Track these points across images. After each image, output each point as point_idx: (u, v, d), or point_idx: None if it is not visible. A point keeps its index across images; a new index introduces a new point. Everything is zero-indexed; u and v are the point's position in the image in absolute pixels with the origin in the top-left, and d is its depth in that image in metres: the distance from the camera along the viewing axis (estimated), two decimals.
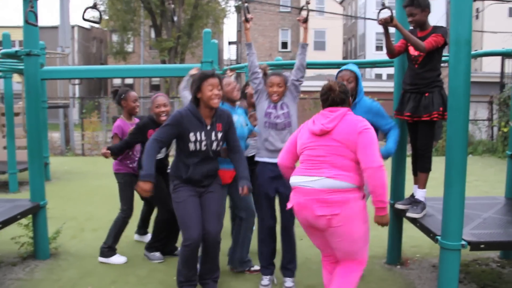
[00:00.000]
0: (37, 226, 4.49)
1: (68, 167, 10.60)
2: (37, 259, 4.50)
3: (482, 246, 3.18)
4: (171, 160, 3.95)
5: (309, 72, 28.97)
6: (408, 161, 4.16)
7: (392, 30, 3.70)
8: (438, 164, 8.07)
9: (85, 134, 13.66)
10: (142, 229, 5.17)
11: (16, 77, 9.28)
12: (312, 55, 32.36)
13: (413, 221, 3.77)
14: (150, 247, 4.56)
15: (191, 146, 3.43)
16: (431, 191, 4.08)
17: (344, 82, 3.57)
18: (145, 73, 5.69)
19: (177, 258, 4.42)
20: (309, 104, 14.31)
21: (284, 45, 35.35)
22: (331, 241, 2.96)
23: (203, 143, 3.45)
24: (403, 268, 4.30)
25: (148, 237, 4.88)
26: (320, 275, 4.05)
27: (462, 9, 3.02)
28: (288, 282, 3.85)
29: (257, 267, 4.16)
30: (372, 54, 32.65)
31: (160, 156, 4.38)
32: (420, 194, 3.93)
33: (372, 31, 33.00)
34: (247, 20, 3.94)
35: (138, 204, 4.87)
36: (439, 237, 3.22)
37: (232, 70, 5.59)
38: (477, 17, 28.84)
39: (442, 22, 26.81)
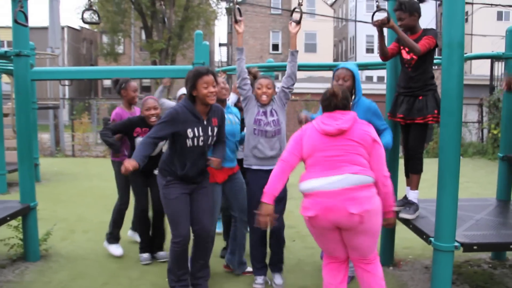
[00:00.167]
0: (27, 227, 4.43)
1: (58, 168, 10.50)
2: (27, 261, 4.44)
3: (475, 247, 3.19)
4: None
5: (300, 74, 28.93)
6: (401, 163, 4.16)
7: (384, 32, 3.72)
8: (429, 165, 8.17)
9: (75, 135, 13.55)
10: (134, 225, 5.13)
11: (5, 78, 9.20)
12: (303, 57, 32.22)
13: (406, 222, 3.78)
14: (140, 248, 4.54)
15: (189, 142, 3.40)
16: (423, 192, 4.10)
17: (340, 81, 3.59)
18: (136, 74, 5.64)
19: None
20: (301, 106, 14.33)
21: (275, 47, 35.41)
22: (355, 239, 2.90)
23: (201, 138, 3.43)
24: (396, 269, 4.31)
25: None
26: (314, 277, 4.09)
27: (455, 12, 3.04)
28: (278, 278, 3.92)
29: (249, 269, 4.15)
30: (362, 56, 32.81)
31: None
32: (412, 195, 3.94)
33: (362, 34, 33.17)
34: (236, 21, 3.91)
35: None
36: (432, 239, 3.23)
37: (223, 72, 5.56)
38: (466, 20, 29.08)
39: (432, 26, 27.03)
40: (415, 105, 3.76)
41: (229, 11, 31.20)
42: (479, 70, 21.05)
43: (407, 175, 4.05)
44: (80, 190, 8.06)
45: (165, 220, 4.47)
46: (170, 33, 23.87)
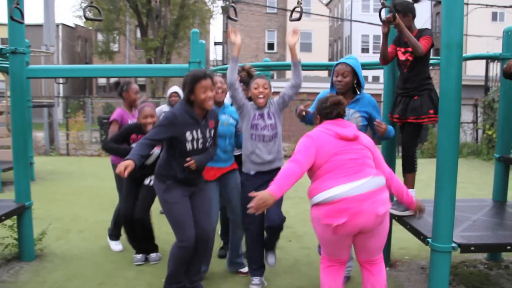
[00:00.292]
0: (22, 227, 4.39)
1: (53, 167, 10.45)
2: (22, 261, 4.40)
3: (472, 248, 3.19)
4: None
5: None
6: (398, 163, 4.17)
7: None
8: (424, 166, 8.19)
9: (70, 134, 13.48)
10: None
11: None
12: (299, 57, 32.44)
13: (403, 223, 3.78)
14: (134, 248, 4.52)
15: (188, 146, 3.36)
16: (419, 193, 4.09)
17: (339, 77, 3.58)
18: (132, 73, 5.62)
19: (164, 257, 4.44)
20: (296, 105, 14.31)
21: (271, 46, 35.40)
22: (371, 241, 2.93)
23: (200, 141, 3.40)
24: (392, 270, 4.31)
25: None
26: (311, 277, 4.09)
27: (454, 12, 3.02)
28: (271, 257, 3.87)
29: (245, 269, 4.14)
30: (357, 56, 32.35)
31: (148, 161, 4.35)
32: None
33: (358, 33, 33.23)
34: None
35: None
36: (429, 240, 3.22)
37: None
38: None
39: (427, 26, 27.10)
40: (410, 105, 3.79)
41: (224, 10, 31.18)
42: (474, 70, 21.14)
43: (403, 175, 4.07)
44: (75, 189, 8.01)
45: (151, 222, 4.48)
46: (165, 31, 23.81)
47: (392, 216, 3.98)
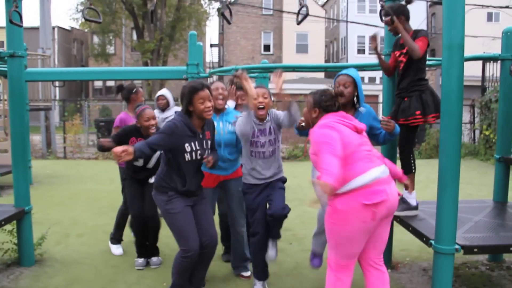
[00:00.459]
0: (22, 232, 4.36)
1: (50, 171, 10.41)
2: (22, 266, 4.37)
3: (475, 250, 3.19)
4: None
5: (292, 75, 29.08)
6: (398, 164, 4.16)
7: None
8: (422, 166, 8.17)
9: (67, 137, 13.43)
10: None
11: None
12: (295, 58, 32.57)
13: (405, 225, 3.77)
14: (137, 252, 4.49)
15: (187, 157, 3.36)
16: (417, 193, 4.09)
17: (341, 87, 3.55)
18: (131, 75, 5.60)
19: (165, 262, 4.43)
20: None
21: (267, 47, 35.39)
22: (386, 228, 2.98)
23: (198, 152, 3.40)
24: (394, 272, 4.30)
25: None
26: (312, 280, 4.08)
27: (455, 14, 3.03)
28: (272, 249, 3.78)
29: (248, 273, 4.14)
30: (354, 57, 32.90)
31: (138, 164, 4.34)
32: (409, 196, 3.96)
33: (354, 34, 33.27)
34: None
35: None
36: (432, 241, 3.21)
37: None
38: None
39: (423, 26, 27.18)
40: (401, 106, 3.84)
41: (220, 12, 31.18)
42: (470, 71, 21.16)
43: None
44: (73, 193, 7.97)
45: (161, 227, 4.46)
46: (161, 33, 23.78)
47: (394, 218, 3.98)
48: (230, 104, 4.39)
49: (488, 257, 4.55)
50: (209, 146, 3.54)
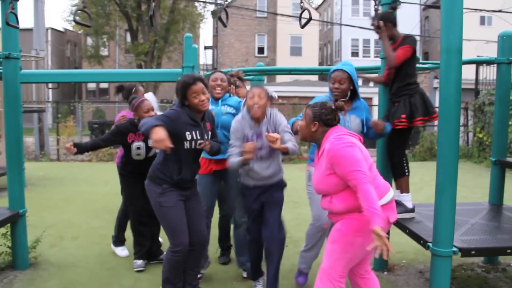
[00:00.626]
0: (16, 235, 4.32)
1: (44, 173, 10.34)
2: (16, 269, 4.32)
3: (473, 252, 3.20)
4: None
5: (286, 78, 29.09)
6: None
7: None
8: (416, 169, 8.15)
9: (60, 139, 13.35)
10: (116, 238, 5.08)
11: None
12: (289, 61, 32.63)
13: (402, 227, 3.78)
14: (134, 253, 4.47)
15: (186, 145, 3.35)
16: (411, 196, 4.10)
17: (336, 84, 3.57)
18: (127, 77, 5.55)
19: (161, 265, 4.40)
20: (288, 109, 14.34)
21: (261, 50, 35.44)
22: None
23: (198, 141, 3.39)
24: (391, 274, 4.31)
25: None
26: (310, 283, 4.05)
27: (453, 18, 3.04)
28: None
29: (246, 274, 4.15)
30: (347, 60, 32.98)
31: (139, 158, 4.32)
32: (403, 198, 3.98)
33: (347, 37, 33.37)
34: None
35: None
36: (430, 244, 3.22)
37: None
38: None
39: (416, 30, 27.33)
40: (391, 111, 3.91)
41: (214, 14, 31.14)
42: (464, 74, 21.23)
43: (395, 180, 4.11)
44: (67, 195, 7.92)
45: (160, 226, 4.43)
46: (155, 35, 23.72)
47: None
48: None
49: (484, 259, 4.57)
50: (209, 137, 3.54)
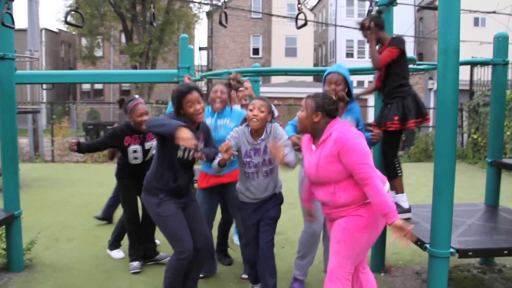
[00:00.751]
0: (11, 237, 4.28)
1: (38, 174, 10.28)
2: (11, 271, 4.29)
3: (470, 253, 3.20)
4: None
5: (281, 79, 29.09)
6: None
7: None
8: (412, 170, 8.16)
9: (54, 140, 13.29)
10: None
11: None
12: (284, 62, 32.66)
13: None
14: (130, 255, 4.45)
15: (179, 153, 3.33)
16: (407, 197, 4.11)
17: (332, 85, 3.57)
18: (122, 78, 5.56)
19: (158, 267, 4.39)
20: (284, 110, 14.35)
21: (256, 51, 35.46)
22: None
23: (191, 152, 3.37)
24: (387, 275, 4.31)
25: None
26: (307, 284, 4.05)
27: (450, 19, 3.04)
28: None
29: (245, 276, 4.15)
30: (342, 61, 33.02)
31: (137, 161, 4.31)
32: (398, 199, 3.98)
33: (342, 38, 33.44)
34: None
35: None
36: (427, 245, 3.21)
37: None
38: None
39: (411, 31, 27.42)
40: (383, 113, 3.91)
41: (209, 15, 31.14)
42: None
43: (389, 181, 4.12)
44: (62, 197, 7.87)
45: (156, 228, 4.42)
46: (150, 36, 23.68)
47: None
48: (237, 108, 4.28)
49: (480, 260, 4.58)
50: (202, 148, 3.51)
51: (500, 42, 4.46)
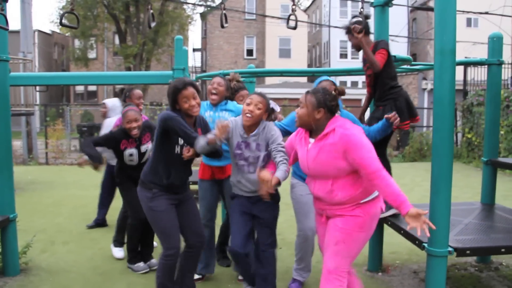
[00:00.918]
0: (6, 240, 4.24)
1: (32, 177, 10.22)
2: (6, 275, 4.25)
3: (468, 252, 3.21)
4: None
5: (275, 80, 29.09)
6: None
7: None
8: (407, 169, 8.14)
9: (48, 142, 13.21)
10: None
11: None
12: (278, 63, 32.66)
13: (397, 228, 3.78)
14: (132, 257, 4.41)
15: (177, 149, 3.34)
16: None
17: None
18: (117, 80, 5.53)
19: (155, 269, 4.36)
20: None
21: (249, 52, 35.46)
22: None
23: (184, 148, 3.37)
24: (385, 275, 4.31)
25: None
26: (305, 285, 4.05)
27: (446, 19, 3.05)
28: None
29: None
30: (336, 61, 33.13)
31: (132, 163, 4.30)
32: None
33: (336, 39, 33.50)
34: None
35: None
36: (425, 244, 3.22)
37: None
38: None
39: (404, 31, 27.51)
40: (375, 115, 3.96)
41: (203, 16, 31.10)
42: None
43: None
44: (56, 200, 7.83)
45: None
46: (144, 38, 23.62)
47: (385, 221, 4.00)
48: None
49: (476, 258, 4.59)
50: None
51: (494, 42, 4.48)
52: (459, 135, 13.19)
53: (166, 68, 25.95)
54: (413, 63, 5.05)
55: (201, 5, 26.31)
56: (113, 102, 5.95)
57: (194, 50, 40.23)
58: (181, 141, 3.32)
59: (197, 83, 3.76)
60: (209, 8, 26.99)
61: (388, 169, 3.97)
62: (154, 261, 4.43)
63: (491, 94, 4.53)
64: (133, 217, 4.36)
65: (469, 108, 12.09)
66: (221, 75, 4.74)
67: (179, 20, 25.72)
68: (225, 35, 34.20)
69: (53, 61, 33.88)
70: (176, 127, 3.18)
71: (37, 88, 11.83)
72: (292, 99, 19.61)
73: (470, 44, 18.22)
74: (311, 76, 15.11)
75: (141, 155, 4.32)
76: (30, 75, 6.37)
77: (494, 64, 4.48)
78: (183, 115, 3.33)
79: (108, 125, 5.61)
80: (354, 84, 31.14)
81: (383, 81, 3.91)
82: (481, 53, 4.64)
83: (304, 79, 28.09)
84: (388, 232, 4.21)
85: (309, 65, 37.81)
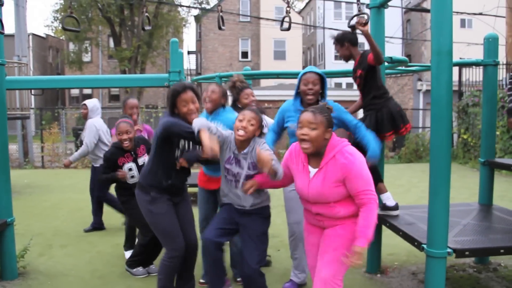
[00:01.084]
0: (4, 244, 4.22)
1: (29, 180, 10.18)
2: (4, 279, 4.23)
3: (467, 253, 3.21)
4: None
5: (271, 82, 29.09)
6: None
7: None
8: (403, 171, 8.16)
9: (44, 146, 13.16)
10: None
11: None
12: (272, 65, 32.68)
13: (396, 230, 3.78)
14: (134, 261, 4.39)
15: (177, 153, 3.34)
16: (399, 198, 4.14)
17: (310, 85, 3.58)
18: (113, 83, 5.51)
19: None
20: (274, 113, 14.33)
21: (244, 54, 35.47)
22: None
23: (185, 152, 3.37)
24: (384, 276, 4.31)
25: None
26: (304, 287, 4.06)
27: (443, 20, 3.06)
28: None
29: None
30: (331, 63, 33.18)
31: (134, 180, 4.29)
32: (384, 197, 4.02)
33: (331, 41, 33.01)
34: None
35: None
36: (424, 246, 3.22)
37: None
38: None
39: (398, 33, 27.61)
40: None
41: (197, 19, 31.10)
42: None
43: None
44: (53, 203, 7.80)
45: None
46: (139, 41, 23.60)
47: (383, 223, 4.00)
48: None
49: (475, 259, 4.60)
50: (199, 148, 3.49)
51: (490, 43, 4.50)
52: (455, 136, 13.24)
53: (161, 70, 25.91)
54: (409, 64, 5.06)
55: (195, 8, 26.32)
56: (93, 103, 6.01)
57: (189, 52, 40.22)
58: (181, 145, 3.32)
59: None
60: (203, 11, 27.00)
61: (377, 175, 3.96)
62: (153, 267, 4.39)
63: (488, 94, 4.55)
64: (145, 234, 4.22)
65: (464, 109, 12.14)
66: (217, 80, 4.75)
67: (174, 22, 25.76)
68: (220, 37, 34.20)
69: (47, 65, 33.77)
70: (181, 132, 3.17)
71: (33, 91, 11.78)
72: None
73: (464, 45, 18.33)
74: None
75: (139, 168, 4.29)
76: (26, 78, 6.36)
77: (490, 64, 4.50)
78: (182, 120, 3.33)
79: (90, 127, 5.65)
80: (349, 86, 31.17)
81: (368, 90, 3.93)
82: (475, 54, 4.66)
83: None
84: (387, 233, 4.21)
85: (304, 67, 37.63)
